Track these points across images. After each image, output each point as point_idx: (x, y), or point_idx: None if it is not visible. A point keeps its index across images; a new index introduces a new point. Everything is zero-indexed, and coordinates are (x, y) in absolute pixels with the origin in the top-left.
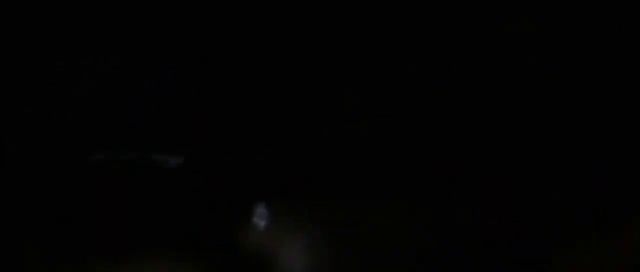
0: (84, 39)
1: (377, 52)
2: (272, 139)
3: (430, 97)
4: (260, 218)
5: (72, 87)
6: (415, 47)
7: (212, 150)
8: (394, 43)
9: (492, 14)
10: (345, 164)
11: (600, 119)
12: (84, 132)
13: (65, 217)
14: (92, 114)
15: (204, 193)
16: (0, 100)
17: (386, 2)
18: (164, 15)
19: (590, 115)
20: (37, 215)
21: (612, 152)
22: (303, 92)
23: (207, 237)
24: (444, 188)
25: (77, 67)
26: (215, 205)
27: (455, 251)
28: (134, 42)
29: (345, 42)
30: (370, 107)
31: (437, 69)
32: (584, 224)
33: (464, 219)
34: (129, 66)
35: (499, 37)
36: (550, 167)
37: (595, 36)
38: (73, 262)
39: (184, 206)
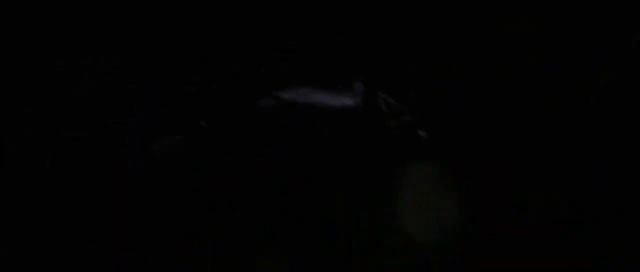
0: (84, 39)
1: (378, 52)
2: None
3: (430, 97)
4: None
5: (72, 87)
6: (415, 47)
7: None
8: (394, 43)
9: (492, 14)
10: None
11: (600, 118)
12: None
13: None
14: (92, 114)
15: None
16: (0, 101)
17: (387, 3)
18: (164, 15)
19: (589, 114)
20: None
21: (611, 151)
22: None
23: None
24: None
25: (77, 67)
26: None
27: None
28: (134, 42)
29: (346, 42)
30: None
31: (437, 69)
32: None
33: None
34: (129, 66)
35: (499, 37)
36: (550, 166)
37: (595, 36)
38: None
39: None
